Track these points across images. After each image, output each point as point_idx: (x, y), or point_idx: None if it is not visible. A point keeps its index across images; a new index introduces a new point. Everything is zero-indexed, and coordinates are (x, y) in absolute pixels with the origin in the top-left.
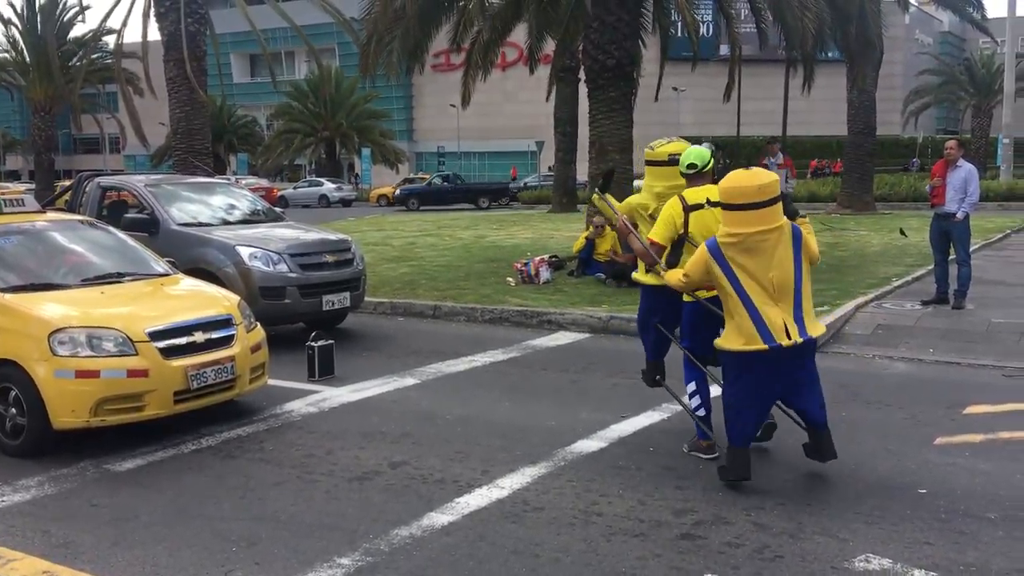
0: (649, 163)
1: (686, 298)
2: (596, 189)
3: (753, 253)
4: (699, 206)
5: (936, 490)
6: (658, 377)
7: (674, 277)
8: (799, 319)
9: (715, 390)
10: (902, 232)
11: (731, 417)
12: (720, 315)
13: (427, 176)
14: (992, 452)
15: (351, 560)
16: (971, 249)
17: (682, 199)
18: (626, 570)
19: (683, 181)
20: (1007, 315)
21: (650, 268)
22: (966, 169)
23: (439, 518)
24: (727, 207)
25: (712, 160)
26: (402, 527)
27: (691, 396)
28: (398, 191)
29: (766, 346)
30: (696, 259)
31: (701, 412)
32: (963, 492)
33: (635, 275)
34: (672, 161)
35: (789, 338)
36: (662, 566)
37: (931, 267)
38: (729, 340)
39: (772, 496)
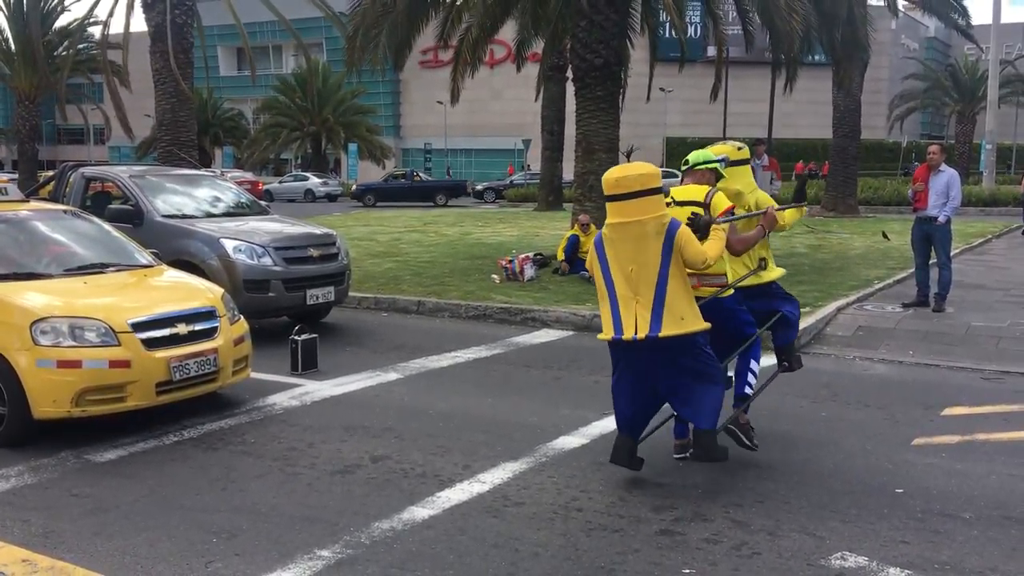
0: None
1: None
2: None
3: (619, 244)
4: (670, 204)
5: (913, 490)
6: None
7: None
8: (656, 316)
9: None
10: (885, 235)
11: (614, 407)
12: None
13: (417, 172)
14: (969, 453)
15: (331, 552)
16: (952, 253)
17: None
18: (605, 565)
19: (728, 177)
20: (986, 319)
21: None
22: (948, 174)
23: (420, 512)
24: (605, 198)
25: (715, 161)
26: (383, 520)
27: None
28: (354, 187)
29: (611, 336)
30: (590, 252)
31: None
32: (939, 492)
33: None
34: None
35: (636, 333)
36: (641, 561)
37: (912, 270)
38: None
39: (751, 494)
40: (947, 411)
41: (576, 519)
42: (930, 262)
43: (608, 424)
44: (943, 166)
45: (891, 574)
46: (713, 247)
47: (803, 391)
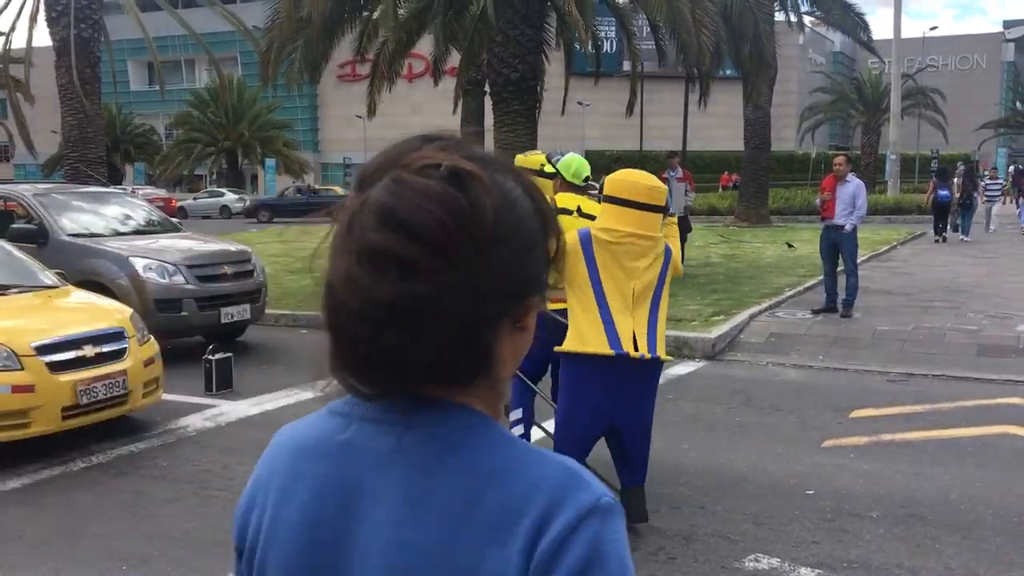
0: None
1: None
2: None
3: (622, 256)
4: (568, 211)
5: (823, 491)
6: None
7: None
8: (652, 337)
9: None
10: (789, 245)
11: (564, 431)
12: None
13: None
14: (875, 453)
15: None
16: (859, 260)
17: (552, 201)
18: None
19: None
20: (892, 323)
21: None
22: (854, 184)
23: None
24: (612, 200)
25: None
26: None
27: (515, 424)
28: (248, 202)
29: (612, 352)
30: (572, 250)
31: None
32: (848, 492)
33: None
34: (540, 173)
35: (636, 350)
36: None
37: (821, 277)
38: (572, 342)
39: (667, 499)
40: (855, 413)
41: None
42: (838, 269)
43: (532, 436)
44: (849, 176)
45: (802, 573)
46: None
47: (718, 397)
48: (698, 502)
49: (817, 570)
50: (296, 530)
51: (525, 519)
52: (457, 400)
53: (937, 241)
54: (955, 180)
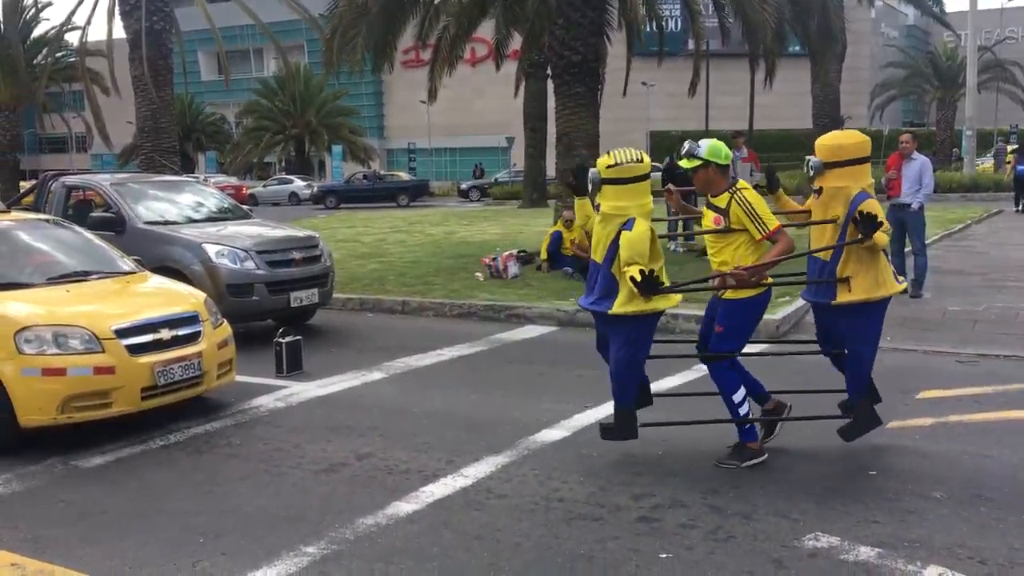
0: (629, 180)
1: (748, 293)
2: (572, 192)
3: None
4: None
5: (886, 472)
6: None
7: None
8: None
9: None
10: None
11: (867, 370)
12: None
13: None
14: (942, 435)
15: (316, 549)
16: (931, 239)
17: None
18: (585, 553)
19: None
20: (963, 303)
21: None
22: (920, 161)
23: (404, 507)
24: (862, 161)
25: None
26: (367, 516)
27: (741, 404)
28: (315, 189)
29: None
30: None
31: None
32: (912, 473)
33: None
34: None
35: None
36: (620, 548)
37: (889, 258)
38: (884, 287)
39: (727, 480)
40: (922, 394)
41: (557, 509)
42: (906, 249)
43: (589, 417)
44: (915, 154)
45: (862, 552)
46: None
47: (780, 378)
48: (759, 482)
49: (877, 549)
50: None
51: None
52: None
53: (1017, 211)
54: None
